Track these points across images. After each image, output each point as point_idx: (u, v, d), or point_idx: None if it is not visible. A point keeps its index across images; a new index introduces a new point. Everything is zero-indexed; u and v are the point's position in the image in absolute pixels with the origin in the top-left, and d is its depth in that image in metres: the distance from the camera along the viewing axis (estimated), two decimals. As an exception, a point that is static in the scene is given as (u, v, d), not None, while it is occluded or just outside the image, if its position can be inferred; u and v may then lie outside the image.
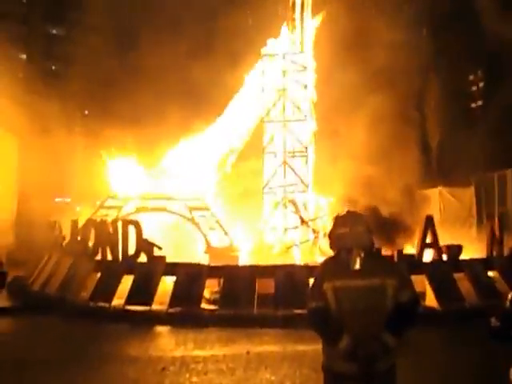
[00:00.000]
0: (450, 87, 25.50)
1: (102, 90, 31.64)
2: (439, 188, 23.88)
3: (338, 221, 4.58)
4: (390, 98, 19.58)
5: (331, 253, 4.68)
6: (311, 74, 20.52)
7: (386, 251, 13.32)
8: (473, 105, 25.92)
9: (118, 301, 14.21)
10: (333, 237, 4.67)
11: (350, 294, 4.35)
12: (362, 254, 4.39)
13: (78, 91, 34.68)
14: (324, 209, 19.79)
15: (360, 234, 4.44)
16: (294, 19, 20.92)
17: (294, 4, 20.89)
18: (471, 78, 25.93)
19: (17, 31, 34.76)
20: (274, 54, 20.35)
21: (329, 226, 5.00)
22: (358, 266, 4.39)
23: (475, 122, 25.54)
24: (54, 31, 36.42)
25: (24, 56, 35.89)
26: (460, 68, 25.03)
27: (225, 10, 23.67)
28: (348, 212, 4.61)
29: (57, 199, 35.23)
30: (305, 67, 20.14)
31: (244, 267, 14.61)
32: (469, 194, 23.85)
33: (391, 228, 14.75)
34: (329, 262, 4.70)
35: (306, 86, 20.15)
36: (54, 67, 37.16)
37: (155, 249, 14.97)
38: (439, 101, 24.80)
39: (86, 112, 39.01)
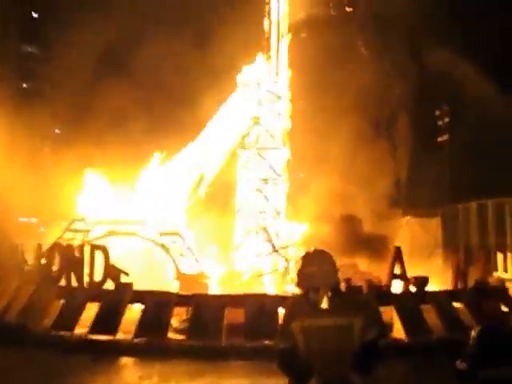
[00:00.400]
0: (417, 120, 26.51)
1: (74, 108, 31.25)
2: (407, 218, 24.50)
3: (306, 259, 4.64)
4: (362, 125, 20.29)
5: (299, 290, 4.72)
6: (285, 103, 20.96)
7: (356, 279, 13.46)
8: (439, 139, 27.06)
9: (82, 329, 13.73)
10: (301, 275, 4.71)
11: (317, 333, 4.37)
12: (330, 294, 4.44)
13: (49, 109, 34.14)
14: (296, 236, 19.92)
15: (327, 272, 4.50)
16: (269, 48, 21.46)
17: (269, 33, 21.47)
18: (437, 112, 27.16)
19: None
20: (249, 83, 20.73)
21: (298, 259, 5.05)
22: (325, 306, 4.42)
23: (442, 154, 26.53)
24: (28, 49, 36.01)
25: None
26: (427, 102, 26.16)
27: (199, 38, 24.08)
28: (315, 251, 4.68)
29: (21, 219, 34.10)
30: (279, 96, 20.58)
31: (213, 296, 14.43)
32: (435, 224, 24.52)
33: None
34: (297, 301, 4.72)
35: (279, 115, 20.54)
36: (25, 85, 36.58)
37: (122, 275, 14.63)
38: (407, 132, 25.71)
39: (57, 131, 38.36)
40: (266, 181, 20.38)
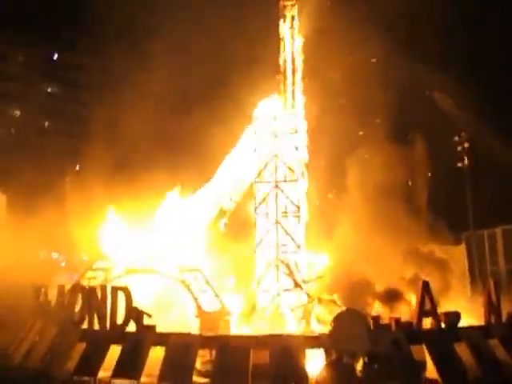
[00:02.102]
0: (436, 146, 26.25)
1: (94, 146, 31.96)
2: (430, 245, 23.92)
3: (339, 321, 4.55)
4: (379, 154, 20.13)
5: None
6: (302, 136, 21.02)
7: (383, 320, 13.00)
8: (459, 164, 26.67)
9: (105, 373, 13.54)
10: (334, 339, 4.59)
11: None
12: (366, 359, 4.30)
13: (70, 147, 34.98)
14: (318, 270, 19.59)
15: (363, 336, 4.39)
16: (285, 83, 21.68)
17: (284, 67, 21.72)
18: (456, 138, 26.89)
19: (13, 88, 35.35)
20: (265, 117, 20.89)
21: (329, 322, 4.94)
22: (361, 373, 4.28)
23: (462, 181, 26.11)
24: (49, 89, 37.17)
25: (18, 112, 36.38)
26: (445, 129, 26.00)
27: (215, 73, 24.61)
28: (349, 311, 4.60)
29: (43, 255, 34.47)
30: (296, 130, 20.65)
31: (237, 338, 14.13)
32: (460, 251, 23.90)
33: (390, 299, 14.57)
34: (330, 367, 4.58)
35: (297, 148, 20.56)
36: (47, 124, 37.68)
37: (145, 317, 14.48)
38: (425, 160, 25.46)
39: (78, 167, 39.12)
40: (285, 214, 20.23)
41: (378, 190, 19.09)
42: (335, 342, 4.62)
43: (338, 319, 4.72)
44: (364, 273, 15.23)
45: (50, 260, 34.35)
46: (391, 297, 14.49)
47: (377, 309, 13.49)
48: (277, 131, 20.60)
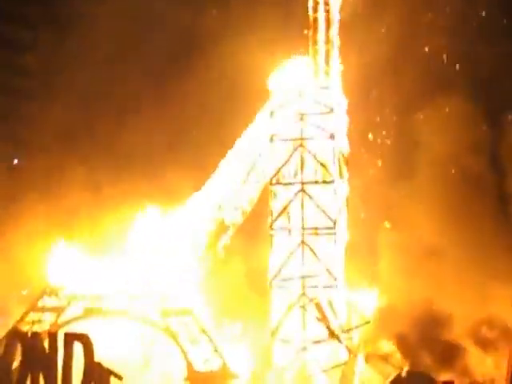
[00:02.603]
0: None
1: (40, 132, 32.59)
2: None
3: None
4: (448, 147, 20.25)
5: None
6: (340, 117, 21.16)
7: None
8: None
9: None
10: None
11: None
12: None
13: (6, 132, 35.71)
14: (365, 314, 19.68)
15: None
16: (315, 40, 21.76)
17: (315, 18, 21.74)
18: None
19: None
20: (287, 91, 21.06)
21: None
22: None
23: None
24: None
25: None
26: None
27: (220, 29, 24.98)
28: (412, 374, 4.77)
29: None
30: (331, 109, 20.80)
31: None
32: None
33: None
34: None
35: (332, 135, 20.73)
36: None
37: (112, 378, 14.74)
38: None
39: (16, 161, 39.78)
40: (315, 230, 20.36)
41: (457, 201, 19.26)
42: None
43: (395, 382, 4.90)
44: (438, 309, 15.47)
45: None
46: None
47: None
48: (304, 111, 20.77)
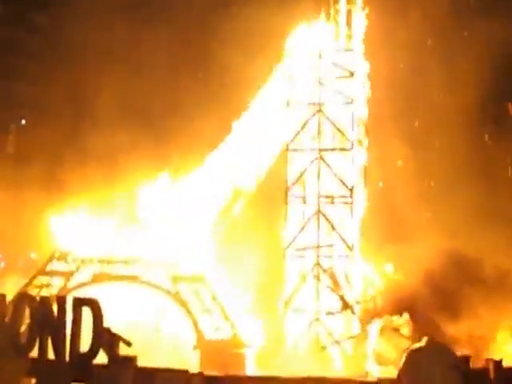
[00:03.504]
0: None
1: (50, 92, 32.49)
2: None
3: (417, 357, 4.59)
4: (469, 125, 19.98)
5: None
6: (362, 82, 20.79)
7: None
8: None
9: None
10: (408, 380, 4.69)
11: None
12: None
13: (14, 92, 35.66)
14: (378, 285, 19.61)
15: (449, 377, 4.43)
16: (336, 1, 21.35)
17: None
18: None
19: None
20: (305, 52, 20.72)
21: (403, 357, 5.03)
22: None
23: None
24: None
25: None
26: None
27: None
28: (431, 344, 4.64)
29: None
30: (352, 72, 20.45)
31: (257, 379, 14.37)
32: None
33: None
34: None
35: (352, 101, 20.40)
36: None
37: (122, 344, 14.78)
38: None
39: (23, 122, 39.77)
40: (332, 199, 20.21)
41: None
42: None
43: (412, 356, 4.71)
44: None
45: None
46: None
47: None
48: (322, 75, 20.44)
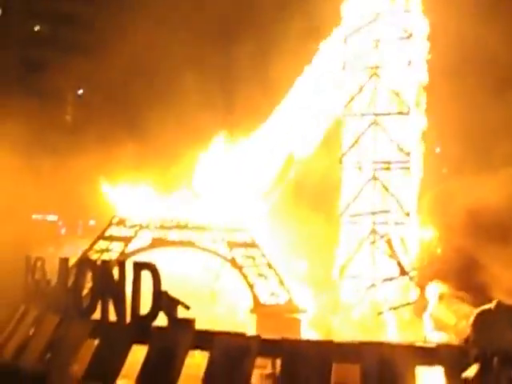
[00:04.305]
0: None
1: (105, 62, 32.92)
2: None
3: (485, 318, 4.56)
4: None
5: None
6: (420, 44, 20.23)
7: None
8: None
9: (125, 382, 14.39)
10: (476, 343, 4.64)
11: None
12: None
13: (70, 63, 36.28)
14: (435, 251, 19.34)
15: None
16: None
17: None
18: None
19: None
20: (361, 14, 20.27)
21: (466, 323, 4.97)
22: None
23: None
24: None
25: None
26: None
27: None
28: (498, 305, 4.59)
29: (35, 216, 36.64)
30: (410, 33, 19.94)
31: (313, 343, 14.41)
32: None
33: None
34: (472, 380, 4.65)
35: (409, 63, 19.92)
36: (37, 28, 39.49)
37: (180, 307, 15.07)
38: None
39: (80, 91, 40.45)
40: (388, 164, 19.93)
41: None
42: (481, 344, 4.66)
43: (482, 317, 4.71)
44: None
45: (44, 224, 36.49)
46: None
47: None
48: (379, 36, 19.98)
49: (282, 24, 23.22)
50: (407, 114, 19.93)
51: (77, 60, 35.42)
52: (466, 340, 4.75)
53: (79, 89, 39.93)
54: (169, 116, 25.43)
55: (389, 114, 20.13)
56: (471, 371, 4.81)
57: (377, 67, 20.01)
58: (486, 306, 4.60)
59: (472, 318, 4.70)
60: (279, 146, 21.09)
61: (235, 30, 27.24)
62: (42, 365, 15.57)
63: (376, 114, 20.04)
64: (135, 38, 28.79)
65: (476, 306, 12.81)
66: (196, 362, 14.84)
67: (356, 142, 20.17)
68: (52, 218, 38.11)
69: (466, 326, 11.86)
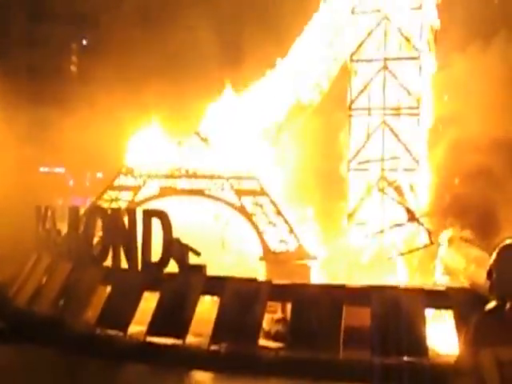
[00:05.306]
0: None
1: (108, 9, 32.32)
2: None
3: (506, 253, 4.45)
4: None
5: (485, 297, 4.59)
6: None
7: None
8: None
9: (137, 328, 14.64)
10: (497, 278, 4.54)
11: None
12: None
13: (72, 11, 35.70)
14: (445, 197, 19.25)
15: None
16: None
17: None
18: None
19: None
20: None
21: (488, 257, 4.87)
22: None
23: None
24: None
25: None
26: None
27: None
28: None
29: (42, 169, 36.72)
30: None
31: (324, 288, 14.54)
32: None
33: None
34: (487, 318, 4.57)
35: (420, 7, 19.42)
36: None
37: (191, 254, 15.19)
38: None
39: (85, 42, 39.92)
40: (397, 110, 19.66)
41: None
42: (499, 283, 4.55)
43: (505, 251, 4.60)
44: None
45: (52, 176, 36.59)
46: None
47: None
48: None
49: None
50: (417, 58, 19.50)
51: (81, 8, 34.88)
52: (489, 273, 4.66)
53: (84, 38, 39.34)
54: (176, 68, 25.07)
55: (399, 59, 19.70)
56: (490, 306, 4.74)
57: (386, 11, 19.48)
58: (509, 241, 4.51)
59: (495, 253, 4.60)
60: (286, 92, 20.78)
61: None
62: (55, 311, 15.85)
63: (385, 59, 19.62)
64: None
65: (486, 250, 12.88)
66: (207, 308, 15.05)
67: (365, 88, 19.83)
68: (59, 170, 38.16)
69: (477, 268, 11.94)
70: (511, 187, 17.02)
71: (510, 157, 18.33)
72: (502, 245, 4.61)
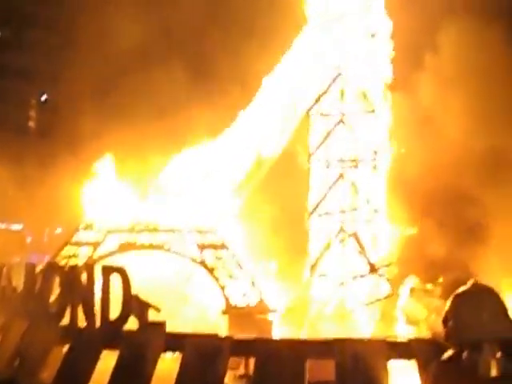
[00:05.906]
0: None
1: (71, 63, 32.49)
2: None
3: (462, 300, 4.50)
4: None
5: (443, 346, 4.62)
6: (385, 44, 20.41)
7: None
8: None
9: (95, 389, 14.19)
10: (453, 325, 4.59)
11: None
12: (499, 354, 4.28)
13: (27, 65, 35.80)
14: (405, 247, 19.51)
15: (496, 321, 4.34)
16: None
17: None
18: None
19: None
20: (325, 15, 20.39)
21: (442, 305, 4.90)
22: (494, 373, 4.26)
23: None
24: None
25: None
26: None
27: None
28: (477, 288, 4.54)
29: (-1, 225, 35.95)
30: (373, 34, 20.11)
31: (287, 342, 14.37)
32: None
33: None
34: (445, 366, 4.58)
35: (374, 63, 20.07)
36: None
37: (151, 310, 14.91)
38: None
39: (44, 97, 39.87)
40: (355, 163, 20.04)
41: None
42: (456, 330, 4.58)
43: (460, 297, 4.65)
44: None
45: (9, 233, 35.83)
46: None
47: None
48: (343, 37, 20.12)
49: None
50: (373, 112, 20.08)
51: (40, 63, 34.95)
52: (444, 321, 4.69)
53: (43, 94, 39.31)
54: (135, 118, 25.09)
55: (355, 113, 20.24)
56: (447, 354, 4.75)
57: (341, 67, 20.11)
58: (463, 288, 4.58)
59: (449, 300, 4.65)
60: (248, 147, 21.04)
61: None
62: (10, 371, 15.26)
63: (343, 114, 20.12)
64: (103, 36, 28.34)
65: (447, 297, 12.99)
66: (168, 366, 14.71)
67: (324, 141, 20.23)
68: (16, 226, 37.42)
69: (438, 317, 12.04)
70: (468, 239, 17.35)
71: (468, 210, 18.70)
72: (456, 292, 4.65)
